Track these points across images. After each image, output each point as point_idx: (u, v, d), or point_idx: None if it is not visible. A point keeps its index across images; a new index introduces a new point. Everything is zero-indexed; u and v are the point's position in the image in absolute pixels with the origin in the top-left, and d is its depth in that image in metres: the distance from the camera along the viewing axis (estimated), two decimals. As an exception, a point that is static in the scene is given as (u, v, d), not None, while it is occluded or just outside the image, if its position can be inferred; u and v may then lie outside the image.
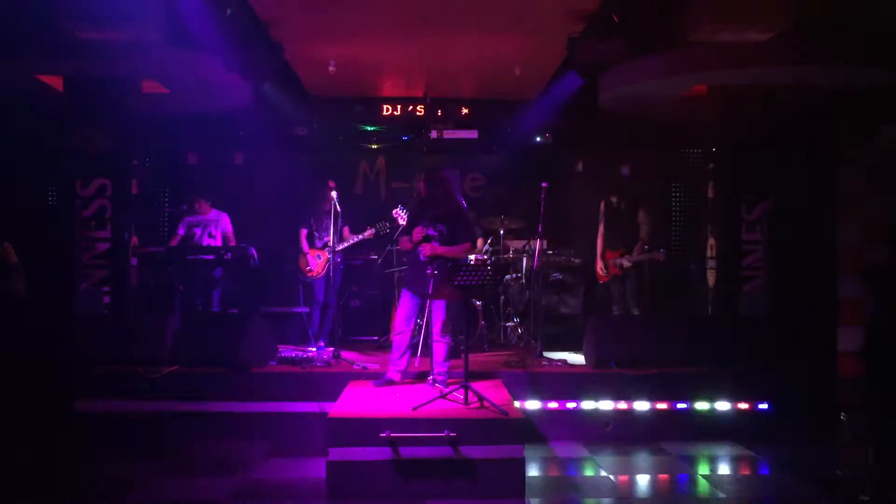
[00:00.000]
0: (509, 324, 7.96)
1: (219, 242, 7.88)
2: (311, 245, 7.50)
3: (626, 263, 7.39)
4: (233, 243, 7.89)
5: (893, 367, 6.36)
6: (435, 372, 5.75)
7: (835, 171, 7.88)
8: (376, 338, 8.02)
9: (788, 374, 6.27)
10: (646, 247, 7.29)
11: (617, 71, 7.54)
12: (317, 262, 7.38)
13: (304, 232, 7.51)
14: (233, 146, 9.54)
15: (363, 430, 4.78)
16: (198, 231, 7.94)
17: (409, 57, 7.78)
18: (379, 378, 5.93)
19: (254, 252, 7.18)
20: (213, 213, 8.02)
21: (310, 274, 7.38)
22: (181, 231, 7.95)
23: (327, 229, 7.40)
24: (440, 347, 5.77)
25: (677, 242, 9.52)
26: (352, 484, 4.70)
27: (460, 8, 6.33)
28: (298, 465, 5.40)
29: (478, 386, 5.40)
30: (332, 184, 7.55)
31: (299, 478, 5.15)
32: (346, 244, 7.12)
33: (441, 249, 5.64)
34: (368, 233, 7.11)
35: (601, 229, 7.64)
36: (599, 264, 7.60)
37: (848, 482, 5.11)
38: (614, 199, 7.58)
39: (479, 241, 7.86)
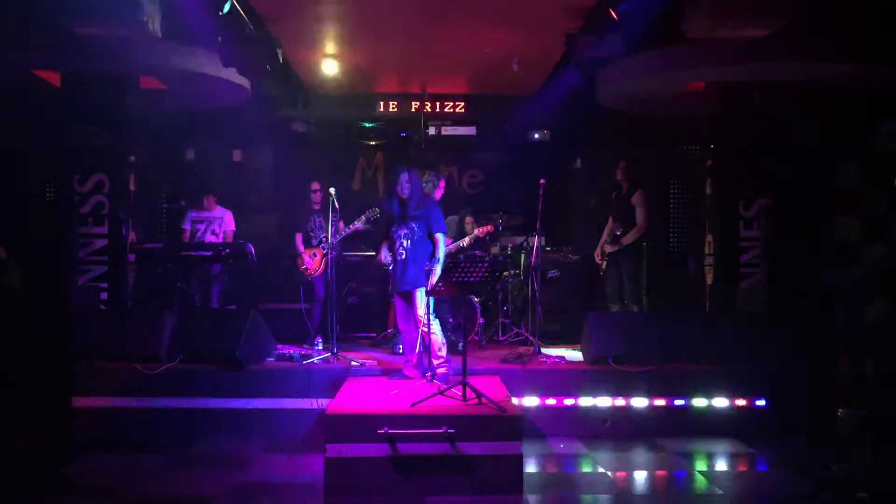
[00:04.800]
0: (507, 320, 7.96)
1: (221, 240, 7.87)
2: (308, 245, 7.50)
3: (607, 248, 7.44)
4: (233, 242, 7.88)
5: (892, 363, 6.37)
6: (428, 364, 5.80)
7: (833, 168, 7.88)
8: (374, 334, 8.02)
9: (786, 371, 6.28)
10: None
11: (615, 68, 7.53)
12: (312, 261, 7.38)
13: (299, 236, 7.51)
14: (231, 142, 9.55)
15: (361, 426, 4.78)
16: (201, 227, 7.92)
17: (408, 53, 7.77)
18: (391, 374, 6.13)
19: (252, 249, 7.18)
20: (219, 211, 8.01)
21: (307, 273, 7.39)
22: (187, 227, 7.94)
23: (321, 227, 7.39)
24: (434, 336, 5.84)
25: (675, 239, 9.54)
26: (350, 480, 4.70)
27: (459, 4, 6.32)
28: (296, 462, 5.41)
29: (476, 382, 5.40)
30: (315, 185, 7.54)
31: (297, 474, 5.15)
32: (339, 236, 7.13)
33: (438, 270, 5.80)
34: (359, 222, 7.12)
35: (610, 219, 7.68)
36: (598, 251, 7.64)
37: (846, 479, 5.11)
38: (619, 179, 7.58)
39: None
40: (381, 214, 6.28)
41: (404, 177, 5.90)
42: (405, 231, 5.90)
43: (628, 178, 7.56)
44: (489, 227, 7.46)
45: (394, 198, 5.99)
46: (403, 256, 5.89)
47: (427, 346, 5.80)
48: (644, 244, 7.65)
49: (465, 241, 7.44)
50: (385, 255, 6.05)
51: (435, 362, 5.79)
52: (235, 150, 9.62)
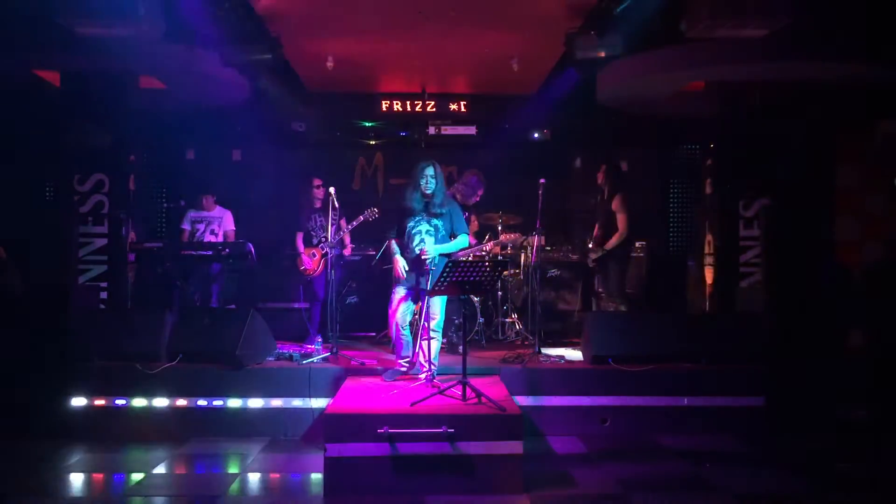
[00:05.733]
0: (507, 320, 7.96)
1: (221, 240, 7.87)
2: (308, 244, 7.50)
3: (592, 255, 7.46)
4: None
5: (893, 362, 6.38)
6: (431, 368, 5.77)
7: (832, 167, 7.89)
8: (374, 333, 8.02)
9: (786, 370, 6.28)
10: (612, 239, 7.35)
11: (615, 67, 7.54)
12: (311, 261, 7.38)
13: (299, 235, 7.51)
14: (230, 142, 9.55)
15: (361, 425, 4.78)
16: (201, 227, 7.92)
17: (408, 52, 7.78)
18: (387, 371, 6.04)
19: (251, 248, 7.18)
20: (218, 210, 8.01)
21: (306, 273, 7.39)
22: (186, 227, 7.94)
23: (322, 227, 7.39)
24: (436, 343, 5.81)
25: (675, 239, 9.54)
26: (349, 480, 4.71)
27: (458, 3, 6.32)
28: (296, 461, 5.41)
29: (476, 382, 5.40)
30: (317, 181, 7.55)
31: (297, 473, 5.16)
32: (339, 236, 7.12)
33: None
34: (357, 221, 7.13)
35: (596, 224, 7.71)
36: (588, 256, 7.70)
37: (845, 478, 5.11)
38: (600, 184, 7.62)
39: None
40: (398, 207, 5.96)
41: (429, 171, 5.74)
42: (427, 227, 5.78)
43: (609, 182, 7.56)
44: (516, 235, 7.46)
45: (415, 192, 5.79)
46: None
47: (429, 343, 5.78)
48: (629, 247, 7.65)
49: (488, 246, 7.41)
50: (400, 264, 5.79)
51: (426, 364, 5.75)
52: (235, 150, 9.62)
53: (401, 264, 5.81)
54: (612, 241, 7.33)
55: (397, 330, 5.94)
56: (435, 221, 5.81)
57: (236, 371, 6.07)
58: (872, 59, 6.86)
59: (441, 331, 5.97)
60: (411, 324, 6.08)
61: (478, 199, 7.48)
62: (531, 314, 7.16)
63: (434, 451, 4.74)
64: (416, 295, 5.93)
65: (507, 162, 9.40)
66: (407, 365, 5.99)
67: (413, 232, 5.79)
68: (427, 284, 5.61)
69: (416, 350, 5.89)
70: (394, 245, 5.94)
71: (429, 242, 5.75)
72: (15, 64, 7.11)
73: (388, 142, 9.66)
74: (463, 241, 5.93)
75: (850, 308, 7.49)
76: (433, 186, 5.74)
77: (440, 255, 5.78)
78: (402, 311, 5.97)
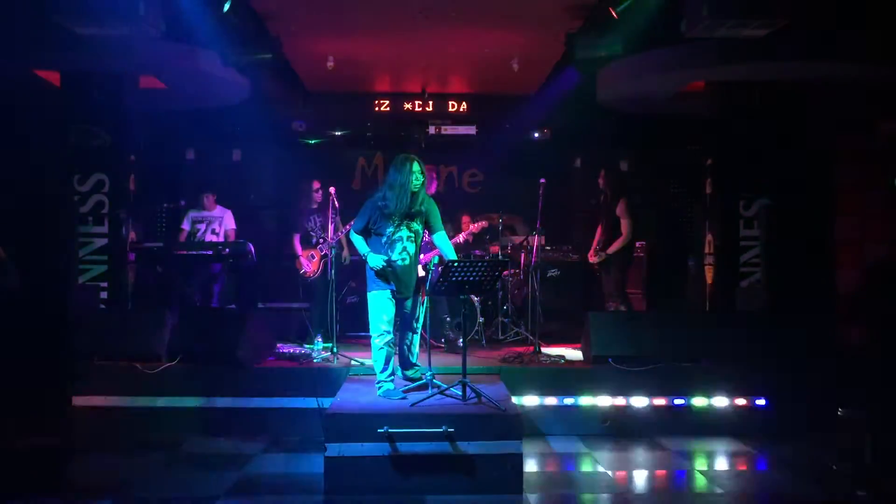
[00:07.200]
0: (507, 320, 7.96)
1: (222, 239, 7.87)
2: (307, 244, 7.49)
3: (593, 259, 7.46)
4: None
5: (893, 362, 6.37)
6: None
7: (832, 167, 7.89)
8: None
9: (786, 370, 6.28)
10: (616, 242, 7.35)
11: (615, 67, 7.54)
12: (310, 263, 7.38)
13: (297, 237, 7.50)
14: (230, 142, 9.56)
15: (361, 425, 4.78)
16: (201, 227, 7.93)
17: (408, 52, 7.78)
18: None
19: (251, 248, 7.18)
20: (219, 210, 8.01)
21: (306, 276, 7.40)
22: (186, 226, 7.94)
23: (321, 227, 7.39)
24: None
25: (675, 239, 9.53)
26: (349, 479, 4.70)
27: (459, 3, 6.33)
28: (296, 461, 5.41)
29: (476, 382, 5.40)
30: (316, 184, 7.55)
31: (297, 473, 5.16)
32: (339, 235, 7.13)
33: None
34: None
35: (599, 226, 7.72)
36: (591, 254, 7.71)
37: (845, 477, 5.12)
38: (601, 187, 7.62)
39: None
40: (371, 206, 5.37)
41: (416, 168, 5.27)
42: (407, 234, 5.33)
43: (610, 186, 7.56)
44: (483, 223, 7.37)
45: (402, 194, 5.25)
46: (408, 262, 5.36)
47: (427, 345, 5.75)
48: (631, 250, 7.65)
49: (461, 237, 7.32)
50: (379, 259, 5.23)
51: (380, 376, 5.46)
52: (235, 150, 9.63)
53: (380, 259, 5.25)
54: (616, 246, 7.33)
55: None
56: (415, 226, 5.36)
57: (237, 371, 6.07)
58: (872, 59, 6.86)
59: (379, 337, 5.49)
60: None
61: (433, 190, 7.43)
62: (531, 314, 7.15)
63: (434, 450, 4.74)
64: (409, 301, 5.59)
65: (507, 162, 9.41)
66: (393, 377, 5.59)
67: (394, 238, 5.29)
68: (426, 286, 5.57)
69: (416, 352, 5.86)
70: (360, 239, 5.38)
71: (411, 250, 5.36)
72: (15, 64, 7.11)
73: (389, 142, 9.66)
74: (445, 238, 5.57)
75: (851, 307, 7.49)
76: (418, 184, 5.31)
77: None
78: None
